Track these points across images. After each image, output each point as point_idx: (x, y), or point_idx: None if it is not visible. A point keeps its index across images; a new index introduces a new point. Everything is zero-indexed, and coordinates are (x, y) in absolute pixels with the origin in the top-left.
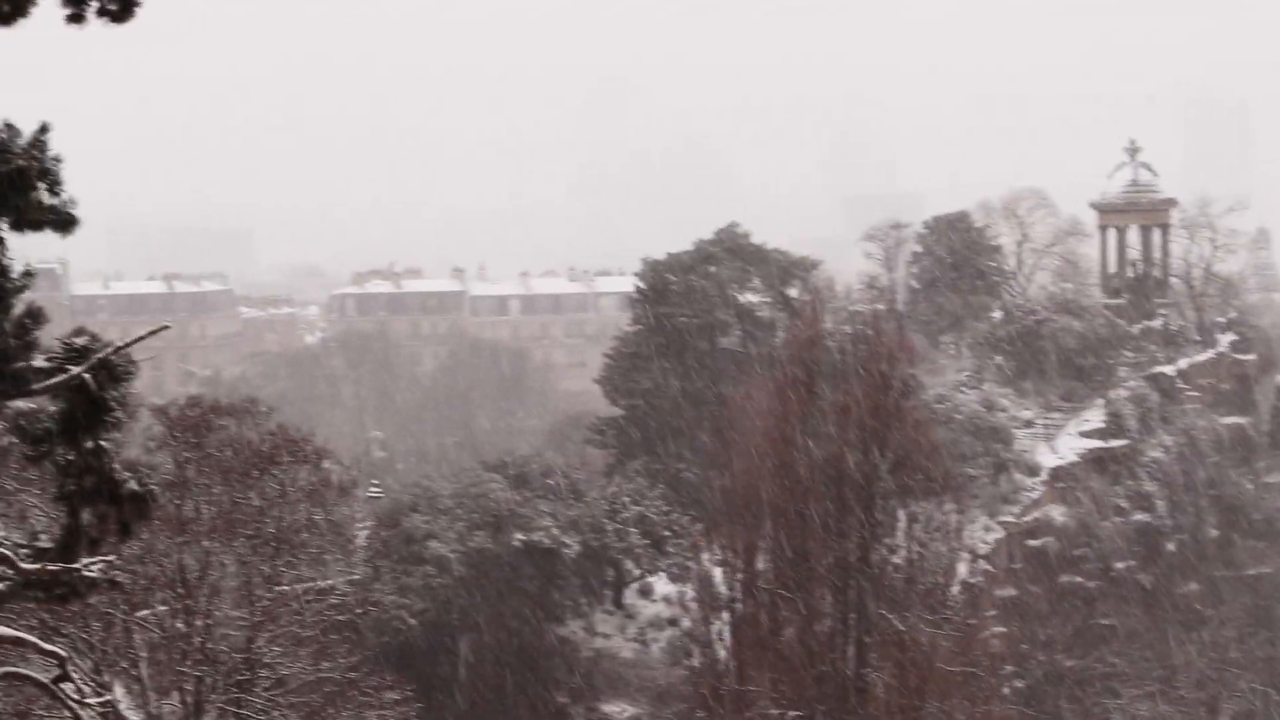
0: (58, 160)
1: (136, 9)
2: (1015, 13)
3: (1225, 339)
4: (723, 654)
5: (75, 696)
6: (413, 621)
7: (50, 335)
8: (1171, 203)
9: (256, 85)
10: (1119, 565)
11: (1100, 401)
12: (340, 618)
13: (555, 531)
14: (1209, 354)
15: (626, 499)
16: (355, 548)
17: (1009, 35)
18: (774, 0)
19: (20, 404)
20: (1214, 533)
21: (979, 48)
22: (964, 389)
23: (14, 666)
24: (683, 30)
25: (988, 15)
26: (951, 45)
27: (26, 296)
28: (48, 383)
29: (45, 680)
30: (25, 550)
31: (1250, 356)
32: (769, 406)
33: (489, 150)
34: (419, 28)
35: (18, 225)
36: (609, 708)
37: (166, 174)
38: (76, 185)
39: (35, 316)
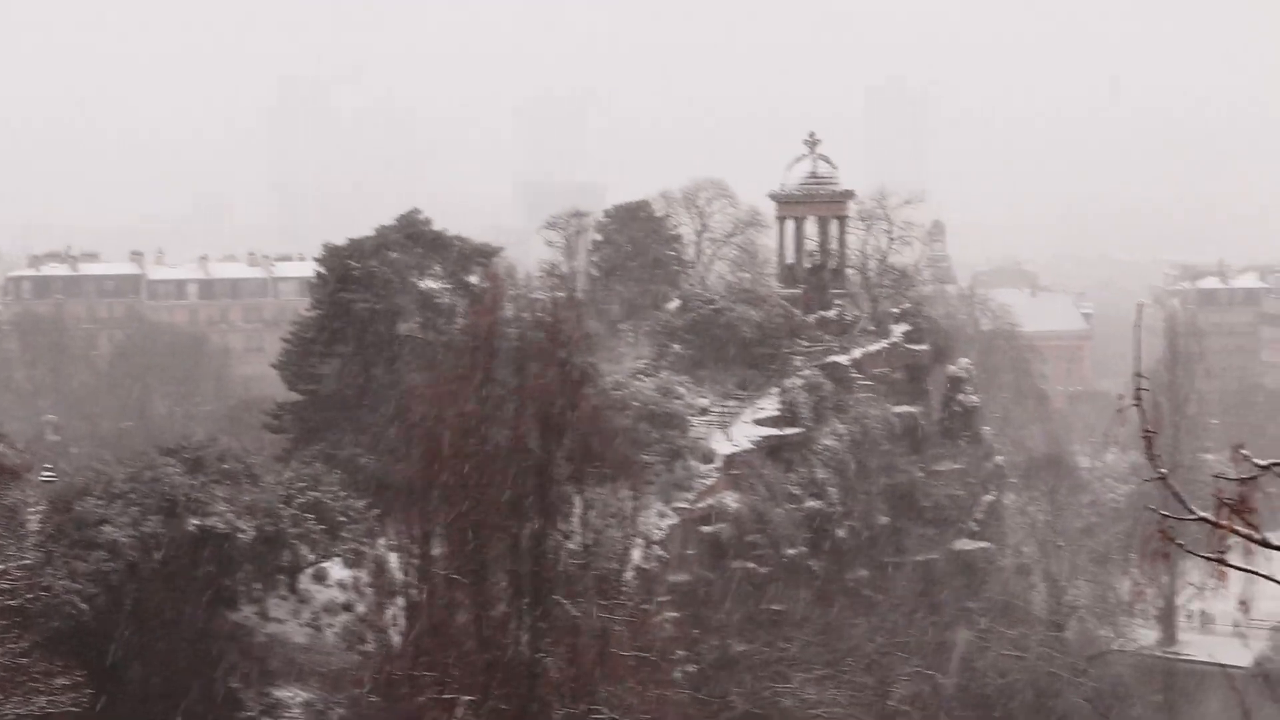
0: None
1: None
2: (716, 10)
3: (899, 329)
4: (397, 639)
5: None
6: (84, 607)
7: None
8: (849, 195)
9: None
10: (790, 551)
11: (775, 390)
12: (10, 603)
13: (230, 516)
14: (883, 344)
15: (302, 484)
16: (27, 532)
17: (710, 32)
18: None
19: None
20: (884, 519)
21: (679, 42)
22: (641, 376)
23: None
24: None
25: (688, 14)
26: (646, 43)
27: None
28: None
29: None
30: None
31: (923, 347)
32: (447, 393)
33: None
34: (118, 13)
35: None
36: (282, 693)
37: None
38: None
39: None
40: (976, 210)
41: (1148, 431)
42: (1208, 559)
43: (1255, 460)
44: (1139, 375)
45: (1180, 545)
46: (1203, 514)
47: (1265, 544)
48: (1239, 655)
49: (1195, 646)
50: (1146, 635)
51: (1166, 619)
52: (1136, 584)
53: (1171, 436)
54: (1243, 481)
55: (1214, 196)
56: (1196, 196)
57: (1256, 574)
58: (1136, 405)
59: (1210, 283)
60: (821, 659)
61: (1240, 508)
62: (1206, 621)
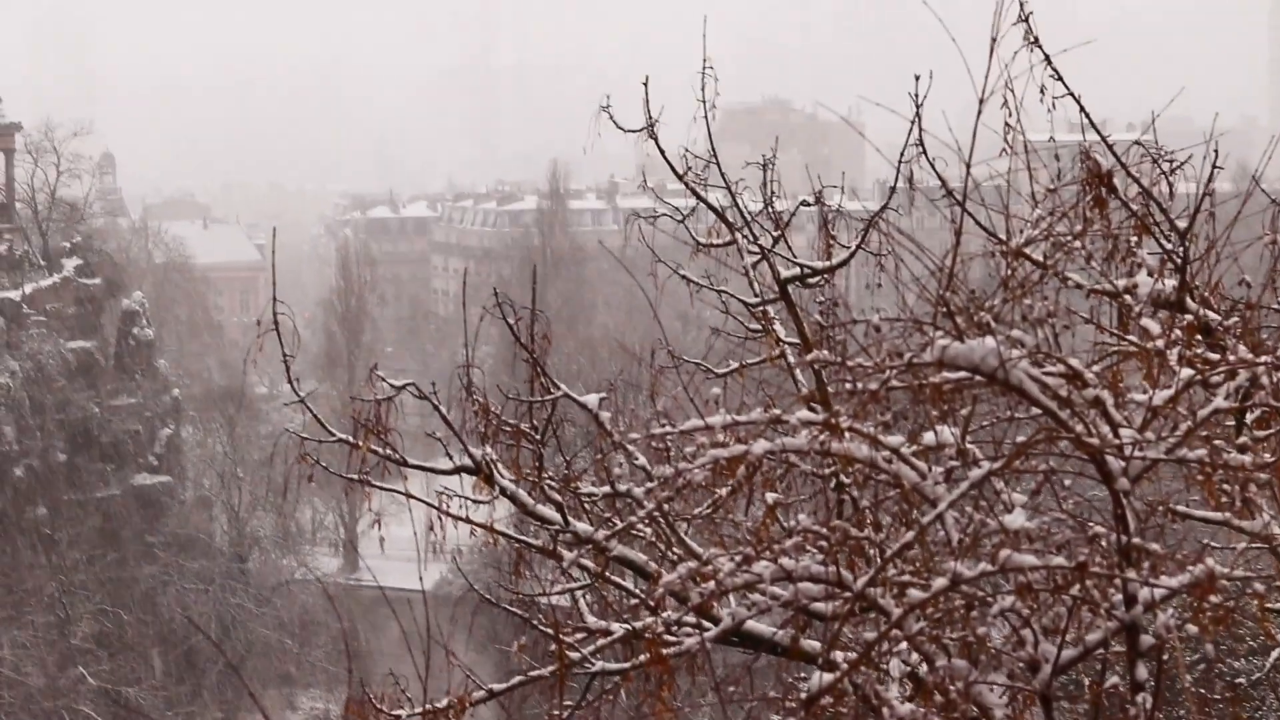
0: None
1: None
2: None
3: (70, 264)
4: None
5: None
6: None
7: None
8: (15, 127)
9: None
10: None
11: None
12: None
13: None
14: (54, 279)
15: None
16: None
17: None
18: None
19: None
20: (62, 457)
21: None
22: None
23: None
24: None
25: None
26: None
27: None
28: None
29: None
30: None
31: (96, 281)
32: None
33: None
34: None
35: None
36: None
37: None
38: None
39: None
40: (149, 143)
41: (286, 357)
42: (348, 480)
43: (390, 381)
44: (276, 300)
45: (325, 468)
46: (341, 435)
47: (403, 463)
48: (421, 579)
49: (378, 573)
50: (330, 563)
51: (349, 547)
52: (315, 512)
53: (348, 363)
54: (378, 403)
55: (379, 129)
56: (360, 129)
57: (397, 492)
58: (275, 330)
59: (381, 212)
60: (1, 601)
61: (376, 428)
62: (398, 547)
